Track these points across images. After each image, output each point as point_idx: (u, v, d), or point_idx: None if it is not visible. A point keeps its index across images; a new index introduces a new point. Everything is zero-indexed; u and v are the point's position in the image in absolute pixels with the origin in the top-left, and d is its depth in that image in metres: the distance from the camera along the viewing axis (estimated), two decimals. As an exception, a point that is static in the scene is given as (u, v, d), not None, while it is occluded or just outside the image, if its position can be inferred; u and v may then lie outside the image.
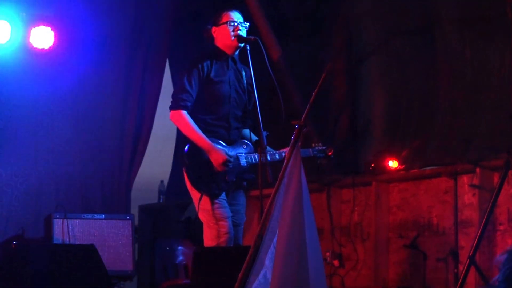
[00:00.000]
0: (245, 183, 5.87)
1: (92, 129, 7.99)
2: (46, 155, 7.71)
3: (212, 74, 5.76)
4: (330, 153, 5.94)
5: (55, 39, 7.43)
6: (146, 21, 8.22)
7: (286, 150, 5.65)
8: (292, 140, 4.16)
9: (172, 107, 5.75)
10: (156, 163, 9.31)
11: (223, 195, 5.72)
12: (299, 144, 4.16)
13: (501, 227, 6.62)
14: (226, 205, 5.71)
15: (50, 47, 7.42)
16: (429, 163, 7.22)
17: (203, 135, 5.66)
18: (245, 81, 5.86)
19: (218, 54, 5.82)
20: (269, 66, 5.52)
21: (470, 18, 7.08)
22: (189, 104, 5.70)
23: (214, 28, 5.85)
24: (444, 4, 7.27)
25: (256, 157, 5.71)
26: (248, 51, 5.62)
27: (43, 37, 7.38)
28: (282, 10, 8.54)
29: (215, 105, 5.78)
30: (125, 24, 8.09)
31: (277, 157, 5.73)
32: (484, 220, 5.91)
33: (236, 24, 5.76)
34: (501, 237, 6.64)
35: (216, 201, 5.66)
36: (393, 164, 7.42)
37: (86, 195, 7.95)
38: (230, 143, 5.79)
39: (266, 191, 5.23)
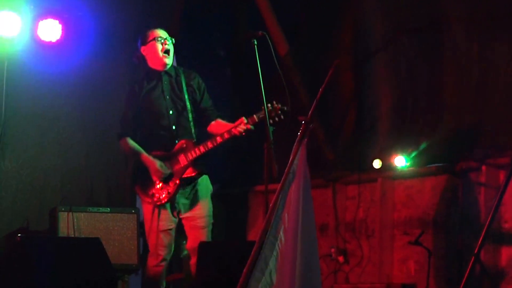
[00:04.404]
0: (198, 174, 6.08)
1: (98, 122, 7.97)
2: (51, 148, 7.69)
3: (146, 94, 6.09)
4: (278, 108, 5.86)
5: (62, 32, 7.42)
6: (153, 15, 8.20)
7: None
8: (298, 136, 4.16)
9: (118, 137, 6.25)
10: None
11: (167, 206, 6.02)
12: (305, 140, 4.15)
13: (506, 225, 6.62)
14: (170, 217, 6.06)
15: (57, 40, 7.42)
16: (435, 160, 7.22)
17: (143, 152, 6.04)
18: (184, 87, 6.02)
19: (150, 74, 6.13)
20: (276, 62, 5.51)
21: (477, 15, 7.07)
22: (130, 130, 6.16)
23: (143, 48, 6.15)
24: (452, 1, 7.26)
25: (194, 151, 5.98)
26: (256, 46, 5.61)
27: (51, 30, 7.37)
28: (290, 7, 8.53)
29: (156, 120, 6.09)
30: (132, 18, 8.07)
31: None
32: (489, 217, 5.90)
33: (163, 40, 6.07)
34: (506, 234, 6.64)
35: (159, 212, 6.01)
36: (399, 161, 7.42)
37: (92, 188, 7.93)
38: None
39: (271, 186, 5.22)
